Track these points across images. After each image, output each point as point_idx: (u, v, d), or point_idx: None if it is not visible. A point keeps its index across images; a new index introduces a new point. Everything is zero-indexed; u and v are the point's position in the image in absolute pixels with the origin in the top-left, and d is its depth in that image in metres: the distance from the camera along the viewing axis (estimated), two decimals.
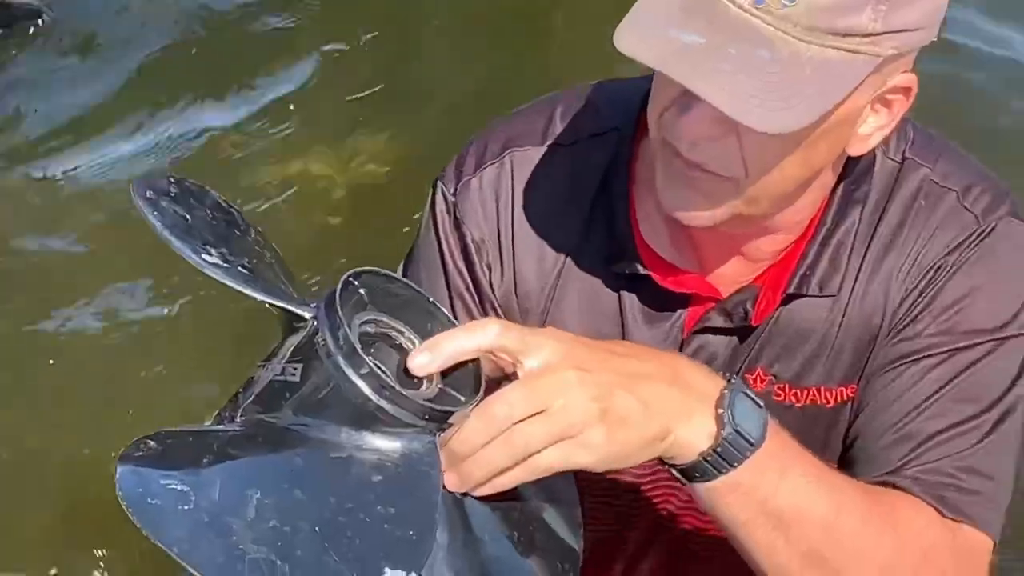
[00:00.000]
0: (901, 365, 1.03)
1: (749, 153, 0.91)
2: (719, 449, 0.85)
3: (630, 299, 1.08)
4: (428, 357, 0.80)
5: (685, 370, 0.87)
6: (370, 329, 0.82)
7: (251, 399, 0.83)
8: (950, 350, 1.02)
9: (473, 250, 1.10)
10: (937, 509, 0.98)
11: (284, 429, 0.80)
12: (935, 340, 1.02)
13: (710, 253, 1.06)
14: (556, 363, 0.81)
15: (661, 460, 0.87)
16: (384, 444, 0.79)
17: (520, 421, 0.79)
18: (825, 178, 1.02)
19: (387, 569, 0.74)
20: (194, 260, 0.85)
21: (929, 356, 1.02)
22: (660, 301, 1.07)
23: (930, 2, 0.90)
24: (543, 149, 1.09)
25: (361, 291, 0.82)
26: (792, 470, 0.90)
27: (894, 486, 0.99)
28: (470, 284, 1.12)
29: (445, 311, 0.85)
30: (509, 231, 1.09)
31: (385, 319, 0.83)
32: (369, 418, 0.78)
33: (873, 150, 1.02)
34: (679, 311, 1.07)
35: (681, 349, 1.07)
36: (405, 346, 0.83)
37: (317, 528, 0.75)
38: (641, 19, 0.87)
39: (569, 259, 1.08)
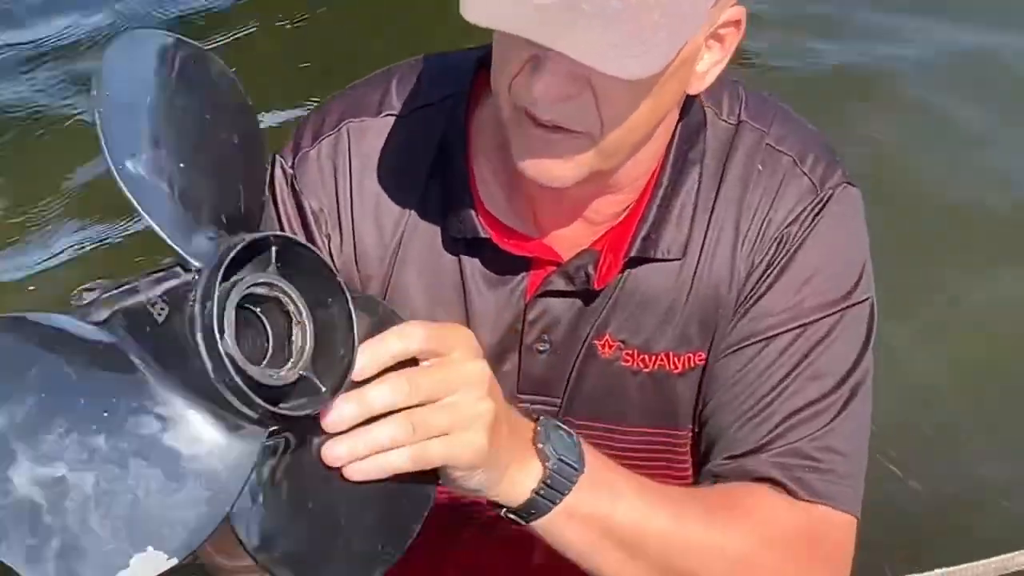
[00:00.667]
0: (753, 344, 1.04)
1: (605, 105, 0.90)
2: (548, 481, 0.87)
3: (471, 264, 1.05)
4: (365, 361, 0.77)
5: (505, 414, 0.85)
6: (263, 291, 0.76)
7: (122, 309, 0.76)
8: (800, 326, 1.03)
9: (312, 220, 1.07)
10: (794, 492, 1.00)
11: (130, 366, 0.74)
12: (785, 317, 1.03)
13: (549, 217, 1.04)
14: (469, 357, 0.81)
15: (495, 505, 0.88)
16: (207, 432, 0.74)
17: (418, 406, 0.78)
18: (668, 123, 1.02)
19: (150, 548, 0.70)
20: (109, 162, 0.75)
21: (780, 335, 1.03)
22: (501, 265, 1.05)
23: None
24: (379, 120, 1.07)
25: (273, 250, 0.76)
26: (623, 488, 0.92)
27: (752, 470, 1.01)
28: None
29: (349, 291, 0.78)
30: (348, 200, 1.06)
31: (282, 284, 0.77)
32: (209, 394, 0.73)
33: (704, 110, 1.04)
34: (521, 274, 1.06)
35: (525, 313, 1.06)
36: (293, 315, 0.77)
37: (98, 488, 0.70)
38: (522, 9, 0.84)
39: (409, 226, 1.06)
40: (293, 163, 1.08)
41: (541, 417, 0.89)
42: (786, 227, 1.04)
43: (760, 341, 1.04)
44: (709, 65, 0.97)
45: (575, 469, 0.88)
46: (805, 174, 1.05)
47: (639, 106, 0.92)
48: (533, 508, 0.88)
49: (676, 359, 1.08)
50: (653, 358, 1.08)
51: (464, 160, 1.05)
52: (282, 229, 1.05)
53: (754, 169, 1.05)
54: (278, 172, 1.08)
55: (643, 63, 0.85)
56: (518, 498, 0.87)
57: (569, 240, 1.05)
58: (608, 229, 1.05)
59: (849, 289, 1.04)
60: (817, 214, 1.04)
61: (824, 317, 1.03)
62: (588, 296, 1.05)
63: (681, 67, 0.93)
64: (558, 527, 0.89)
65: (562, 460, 0.88)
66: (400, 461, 0.79)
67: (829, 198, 1.04)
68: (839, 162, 1.08)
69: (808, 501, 1.00)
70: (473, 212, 1.03)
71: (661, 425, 1.11)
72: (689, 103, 1.03)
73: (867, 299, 1.06)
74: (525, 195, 1.03)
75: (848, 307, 1.04)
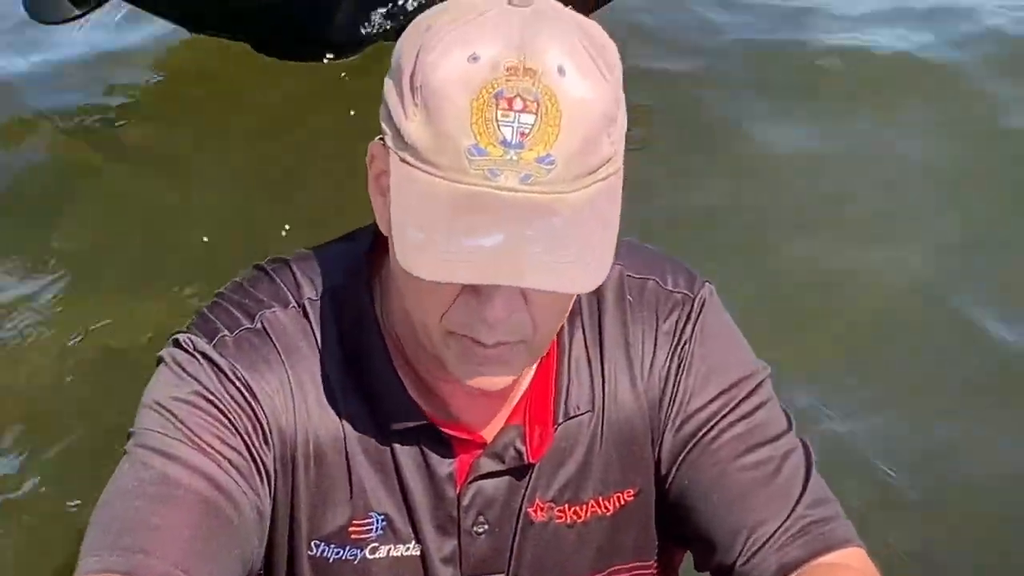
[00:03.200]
0: (704, 443, 1.11)
1: (538, 313, 0.97)
2: None
3: (404, 452, 1.08)
4: None
5: None
6: None
7: None
8: (731, 410, 1.11)
9: (265, 399, 1.07)
10: (848, 541, 1.10)
11: None
12: (714, 411, 1.11)
13: (466, 401, 1.08)
14: None
15: None
16: None
17: None
18: None
19: None
20: None
21: (720, 427, 1.11)
22: (429, 452, 1.08)
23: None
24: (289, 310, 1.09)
25: None
26: None
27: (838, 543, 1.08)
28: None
29: None
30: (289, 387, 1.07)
31: None
32: None
33: None
34: (449, 460, 1.08)
35: (459, 500, 1.09)
36: None
37: None
38: (424, 239, 0.90)
39: (348, 418, 1.08)
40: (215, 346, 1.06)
41: None
42: (675, 346, 1.12)
43: (709, 440, 1.10)
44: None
45: None
46: (672, 291, 1.14)
47: (564, 303, 1.01)
48: None
49: (605, 502, 1.14)
50: (584, 508, 1.13)
51: (383, 360, 1.07)
52: (231, 415, 1.03)
53: (625, 303, 1.12)
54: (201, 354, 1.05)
55: (595, 270, 0.93)
56: None
57: (485, 418, 1.09)
58: (520, 399, 1.10)
59: (751, 362, 1.16)
60: (697, 318, 1.13)
61: (749, 396, 1.12)
62: (520, 471, 1.09)
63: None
64: None
65: None
66: None
67: (702, 300, 1.14)
68: (688, 268, 1.18)
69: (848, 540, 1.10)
70: (405, 398, 1.07)
71: (612, 564, 1.16)
72: None
73: (766, 369, 1.16)
74: (441, 388, 1.08)
75: (758, 375, 1.14)
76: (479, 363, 0.99)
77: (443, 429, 1.07)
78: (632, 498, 1.14)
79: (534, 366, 1.08)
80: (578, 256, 0.91)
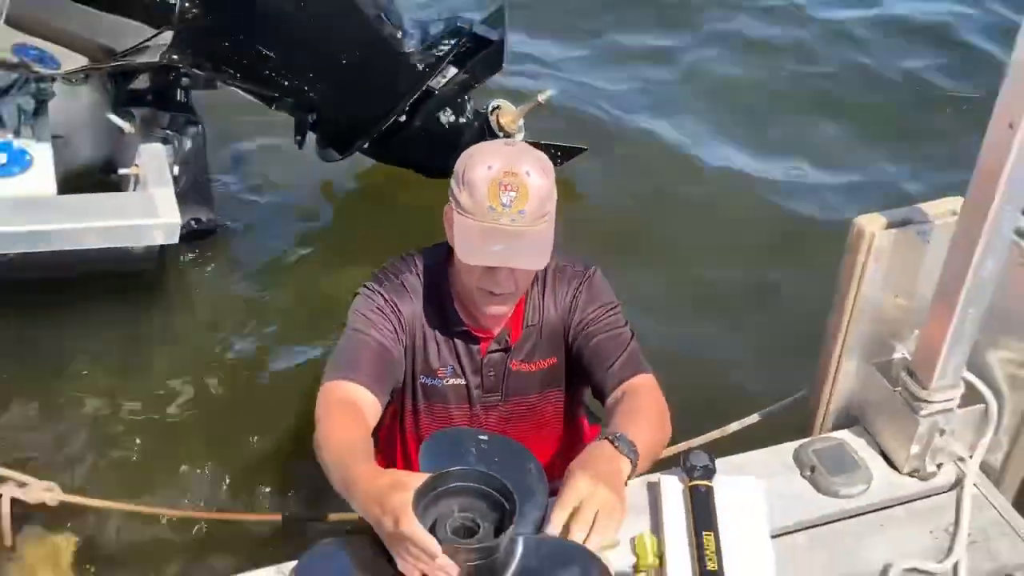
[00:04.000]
0: (591, 339, 2.09)
1: (519, 279, 2.00)
2: (633, 463, 1.83)
3: (457, 342, 2.13)
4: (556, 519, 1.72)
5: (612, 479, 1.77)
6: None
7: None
8: (603, 322, 2.10)
9: (399, 314, 2.09)
10: (643, 371, 2.04)
11: None
12: (597, 322, 2.10)
13: (488, 321, 2.09)
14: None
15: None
16: None
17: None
18: None
19: None
20: None
21: (599, 330, 2.09)
22: (469, 342, 2.13)
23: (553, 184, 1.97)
24: (412, 275, 2.11)
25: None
26: (636, 437, 1.84)
27: (625, 377, 2.03)
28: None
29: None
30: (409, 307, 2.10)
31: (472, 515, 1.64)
32: None
33: None
34: (476, 346, 2.13)
35: (482, 363, 2.14)
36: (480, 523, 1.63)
37: None
38: (469, 245, 1.91)
39: (432, 323, 2.11)
40: (383, 287, 2.09)
41: (612, 439, 1.83)
42: (576, 292, 2.13)
43: (593, 335, 2.09)
44: None
45: (634, 449, 1.82)
46: (576, 270, 2.15)
47: (530, 276, 2.04)
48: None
49: (543, 362, 2.17)
50: (534, 364, 2.17)
51: (450, 297, 2.09)
52: (388, 315, 2.08)
53: (555, 276, 2.13)
54: (374, 293, 2.09)
55: (543, 260, 1.94)
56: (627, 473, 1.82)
57: (493, 327, 2.11)
58: (508, 319, 2.11)
59: (612, 301, 2.14)
60: (585, 280, 2.14)
61: (610, 315, 2.11)
62: (507, 348, 2.14)
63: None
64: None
65: (631, 452, 1.82)
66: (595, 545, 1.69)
67: (590, 274, 2.15)
68: (587, 261, 2.18)
69: (645, 372, 2.05)
70: (459, 319, 2.10)
71: (548, 391, 2.22)
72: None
73: (617, 302, 2.15)
74: (473, 313, 2.08)
75: (614, 306, 2.13)
76: (491, 303, 2.01)
77: (474, 332, 2.11)
78: (555, 361, 2.17)
79: (515, 305, 2.08)
80: (536, 254, 1.92)
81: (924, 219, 1.95)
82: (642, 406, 1.96)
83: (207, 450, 2.99)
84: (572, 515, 1.68)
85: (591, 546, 1.66)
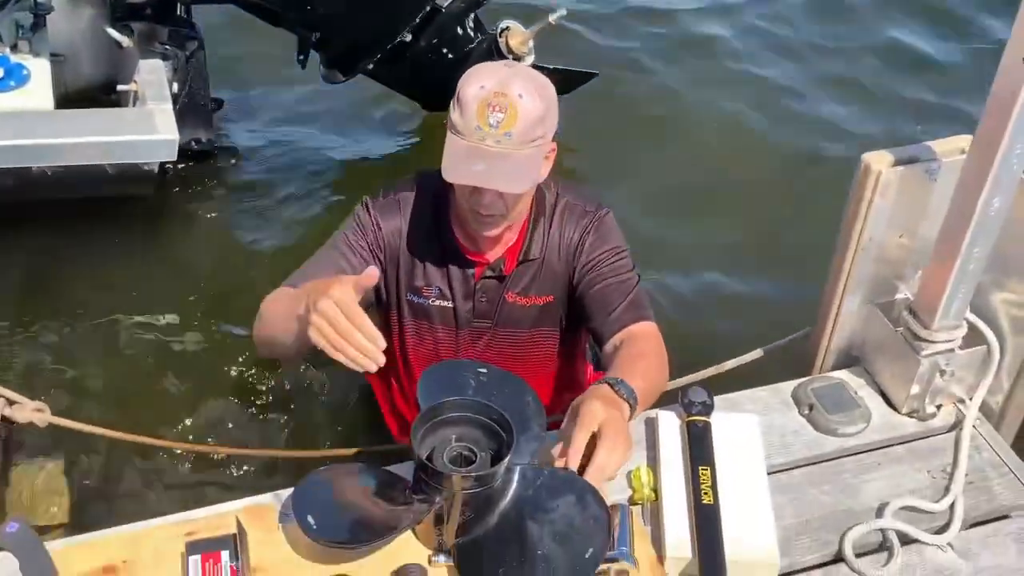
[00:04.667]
0: (595, 283, 2.05)
1: (508, 201, 1.94)
2: (633, 405, 1.76)
3: (451, 265, 2.10)
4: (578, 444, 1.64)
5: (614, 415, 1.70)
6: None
7: None
8: (609, 266, 2.06)
9: (381, 234, 2.10)
10: (645, 319, 2.00)
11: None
12: (603, 265, 2.06)
13: (482, 243, 2.06)
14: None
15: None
16: None
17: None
18: (531, 195, 2.06)
19: None
20: None
21: (604, 274, 2.05)
22: (464, 266, 2.10)
23: (555, 117, 1.93)
24: (411, 193, 2.10)
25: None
26: (634, 383, 1.78)
27: (627, 323, 1.98)
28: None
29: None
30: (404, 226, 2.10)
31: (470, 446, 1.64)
32: None
33: (544, 190, 2.09)
34: (471, 269, 2.10)
35: (475, 287, 2.11)
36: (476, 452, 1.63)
37: None
38: (452, 162, 1.86)
39: (428, 243, 2.09)
40: (373, 203, 2.10)
41: (613, 383, 1.76)
42: (584, 232, 2.08)
43: (597, 280, 2.05)
44: (546, 171, 2.00)
45: (634, 395, 1.76)
46: (586, 210, 2.10)
47: (522, 196, 1.97)
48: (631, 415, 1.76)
49: (538, 299, 2.13)
50: (529, 299, 2.13)
51: (448, 218, 2.07)
52: (368, 232, 2.09)
53: (564, 213, 2.10)
54: (364, 209, 2.10)
55: (524, 184, 1.91)
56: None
57: (491, 252, 2.09)
58: (507, 247, 2.09)
59: (621, 246, 2.08)
60: (594, 222, 2.09)
61: (618, 259, 2.07)
62: (501, 277, 2.10)
63: (537, 176, 1.96)
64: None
65: (630, 396, 1.75)
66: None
67: (600, 216, 2.10)
68: (598, 200, 2.13)
69: (648, 319, 2.00)
70: (455, 240, 2.07)
71: (540, 328, 2.18)
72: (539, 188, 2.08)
73: (626, 247, 2.10)
74: (470, 234, 2.05)
75: (622, 251, 2.08)
76: (482, 222, 1.97)
77: (469, 255, 2.07)
78: (552, 300, 2.13)
79: (516, 233, 2.06)
80: (518, 177, 1.88)
81: (932, 157, 1.92)
82: (643, 351, 1.93)
83: (204, 380, 2.99)
84: (593, 439, 1.64)
85: (613, 466, 1.62)
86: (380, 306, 2.17)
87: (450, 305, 2.13)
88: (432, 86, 3.84)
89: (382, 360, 1.57)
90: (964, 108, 4.24)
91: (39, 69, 3.21)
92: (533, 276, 2.11)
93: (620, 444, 1.63)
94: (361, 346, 1.56)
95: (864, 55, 4.77)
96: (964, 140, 1.91)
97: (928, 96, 4.51)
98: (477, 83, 1.87)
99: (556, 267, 2.11)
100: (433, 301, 2.13)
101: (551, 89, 1.93)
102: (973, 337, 1.98)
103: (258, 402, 2.90)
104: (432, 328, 2.16)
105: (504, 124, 1.85)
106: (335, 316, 1.57)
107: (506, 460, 1.57)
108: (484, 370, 1.85)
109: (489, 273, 2.10)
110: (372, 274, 1.63)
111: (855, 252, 2.00)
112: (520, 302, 2.14)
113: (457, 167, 1.86)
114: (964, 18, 5.06)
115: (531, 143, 1.88)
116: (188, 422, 2.81)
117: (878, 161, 1.90)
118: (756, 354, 2.28)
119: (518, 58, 3.70)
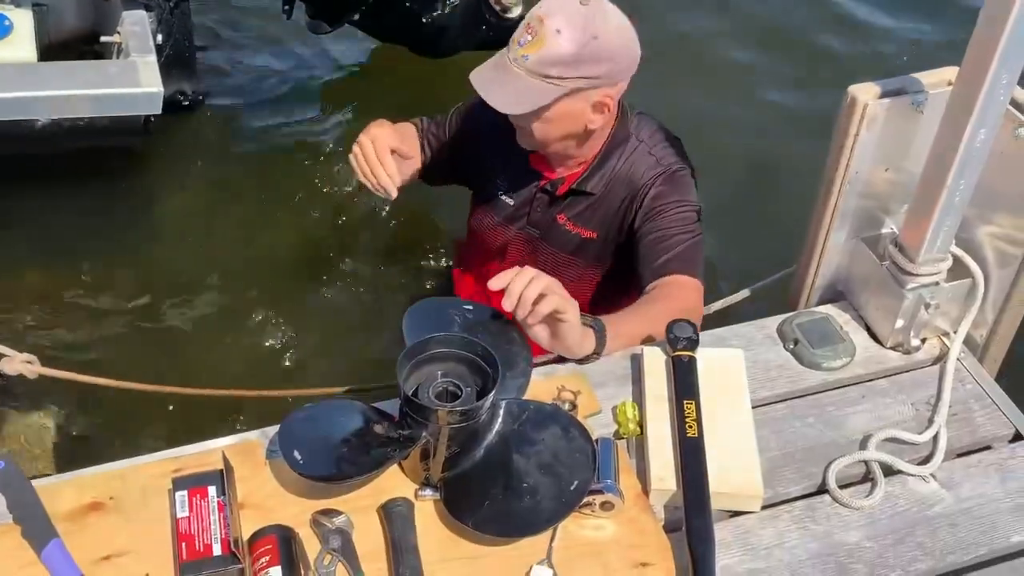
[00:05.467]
0: (652, 232, 2.10)
1: (537, 132, 2.09)
2: (598, 337, 1.87)
3: (521, 170, 2.27)
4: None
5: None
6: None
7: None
8: (668, 218, 2.11)
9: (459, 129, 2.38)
10: (689, 273, 2.06)
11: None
12: (662, 217, 2.11)
13: (550, 159, 2.22)
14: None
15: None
16: None
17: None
18: (591, 140, 2.15)
19: None
20: None
21: (661, 225, 2.11)
22: (529, 173, 2.27)
23: (597, 69, 1.98)
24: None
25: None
26: (617, 323, 1.91)
27: (671, 270, 2.06)
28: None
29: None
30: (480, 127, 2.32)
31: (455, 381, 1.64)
32: None
33: (628, 133, 2.19)
34: (536, 180, 2.27)
35: (534, 195, 2.27)
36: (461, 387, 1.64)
37: None
38: (482, 64, 2.03)
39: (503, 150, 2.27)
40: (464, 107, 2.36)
41: (589, 318, 1.86)
42: (654, 180, 2.14)
43: (653, 219, 2.12)
44: (601, 121, 2.09)
45: (603, 329, 1.87)
46: (660, 161, 2.16)
47: (542, 129, 2.08)
48: (594, 355, 1.88)
49: (584, 231, 2.24)
50: (578, 228, 2.25)
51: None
52: (449, 127, 2.37)
53: (637, 159, 2.17)
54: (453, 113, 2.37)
55: (519, 107, 2.02)
56: (589, 349, 1.86)
57: (558, 170, 2.24)
58: (571, 171, 2.22)
59: (690, 197, 2.16)
60: (665, 175, 2.15)
61: (680, 207, 2.13)
62: (555, 197, 2.25)
63: (565, 118, 2.06)
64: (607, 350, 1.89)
65: (599, 329, 1.86)
66: (547, 308, 1.73)
67: (671, 171, 2.16)
68: (679, 156, 2.19)
69: (693, 275, 2.06)
70: (526, 155, 2.25)
71: (576, 258, 2.29)
72: (620, 129, 2.18)
73: (696, 205, 2.17)
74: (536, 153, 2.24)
75: (688, 203, 2.14)
76: (518, 134, 2.14)
77: (534, 165, 2.24)
78: (595, 236, 2.24)
79: (584, 162, 2.18)
80: (514, 98, 1.98)
81: (919, 88, 1.91)
82: (661, 296, 2.01)
83: (191, 328, 3.00)
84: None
85: (522, 288, 1.70)
86: (471, 185, 2.44)
87: (511, 203, 2.30)
88: (419, 37, 3.82)
89: (394, 193, 2.11)
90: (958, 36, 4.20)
91: (21, 20, 3.19)
92: (586, 207, 2.22)
93: (541, 279, 1.71)
94: (380, 178, 2.09)
95: None
96: (951, 72, 1.90)
97: (921, 25, 4.47)
98: (540, 4, 1.96)
99: (613, 207, 2.18)
100: (500, 195, 2.31)
101: (606, 42, 1.96)
102: (958, 270, 1.98)
103: (247, 345, 2.91)
104: (493, 218, 2.35)
105: (527, 47, 1.94)
106: (368, 150, 2.09)
107: (491, 395, 1.57)
108: (469, 307, 1.86)
109: (548, 188, 2.24)
110: (404, 152, 2.15)
111: (841, 186, 2.00)
112: (568, 227, 2.25)
113: (479, 68, 2.02)
114: None
115: (545, 78, 1.95)
116: (181, 364, 2.82)
117: (864, 93, 1.89)
118: (743, 293, 2.29)
119: (506, 10, 3.68)
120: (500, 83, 1.96)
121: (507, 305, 1.72)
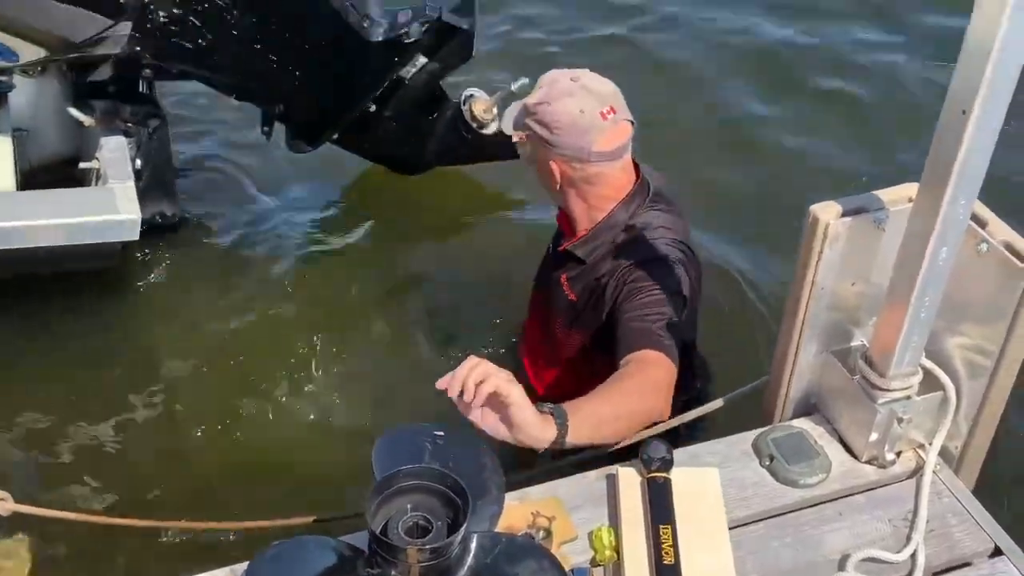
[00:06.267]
0: (627, 301, 2.21)
1: (526, 162, 2.46)
2: (560, 426, 1.84)
3: (558, 232, 2.56)
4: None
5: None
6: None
7: None
8: (647, 294, 2.21)
9: None
10: (658, 348, 2.09)
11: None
12: (638, 291, 2.21)
13: (565, 221, 2.49)
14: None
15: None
16: None
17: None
18: (567, 200, 2.42)
19: None
20: None
21: (638, 296, 2.21)
22: (558, 234, 2.55)
23: (545, 131, 2.33)
24: None
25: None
26: (582, 408, 1.89)
27: (636, 348, 2.09)
28: None
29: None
30: None
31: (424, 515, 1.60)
32: None
33: (629, 212, 2.37)
34: (560, 241, 2.50)
35: (551, 257, 2.57)
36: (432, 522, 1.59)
37: None
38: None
39: None
40: None
41: (548, 406, 1.85)
42: (634, 266, 2.27)
43: (635, 299, 2.20)
44: (557, 184, 2.39)
45: (563, 413, 1.84)
46: (649, 247, 2.30)
47: (530, 164, 2.44)
48: (559, 440, 1.83)
49: (571, 293, 2.41)
50: (568, 289, 2.42)
51: None
52: None
53: (626, 249, 2.32)
54: None
55: (506, 126, 2.47)
56: (551, 434, 1.83)
57: (567, 234, 2.46)
58: (574, 237, 2.41)
59: (666, 285, 2.24)
60: (645, 260, 2.28)
61: (656, 294, 2.21)
62: (558, 255, 2.48)
63: (541, 166, 2.40)
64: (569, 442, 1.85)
65: (558, 413, 1.84)
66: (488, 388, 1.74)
67: (658, 258, 2.28)
68: (674, 247, 2.32)
69: (660, 350, 2.09)
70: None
71: (559, 319, 2.49)
72: (621, 211, 2.37)
73: (677, 290, 2.25)
74: None
75: (662, 293, 2.21)
76: None
77: (558, 222, 2.53)
78: (576, 301, 2.41)
79: (581, 227, 2.40)
80: (507, 120, 2.45)
81: (880, 206, 1.94)
82: (625, 374, 2.03)
83: (166, 459, 2.96)
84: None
85: (468, 373, 1.74)
86: None
87: (545, 258, 2.61)
88: (399, 155, 3.87)
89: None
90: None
91: (1, 147, 3.22)
92: (579, 272, 2.40)
93: (485, 365, 1.74)
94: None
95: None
96: (911, 188, 1.93)
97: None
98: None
99: (593, 277, 2.35)
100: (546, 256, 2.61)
101: (555, 113, 2.30)
102: (929, 383, 1.99)
103: (222, 477, 2.88)
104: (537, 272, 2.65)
105: (536, 86, 2.38)
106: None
107: (462, 530, 1.56)
108: (440, 433, 1.85)
109: (556, 245, 2.51)
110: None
111: (808, 300, 2.01)
112: (563, 287, 2.44)
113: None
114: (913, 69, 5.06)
115: (519, 113, 2.38)
116: (151, 498, 2.78)
117: (825, 212, 1.92)
118: (717, 403, 2.28)
119: (482, 125, 3.74)
120: (513, 107, 2.42)
121: (451, 392, 1.75)
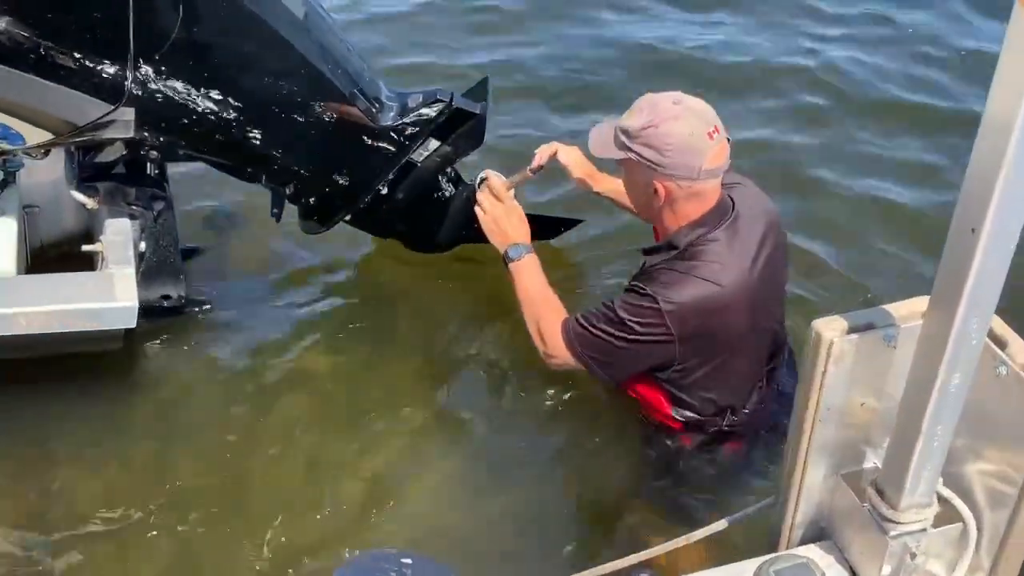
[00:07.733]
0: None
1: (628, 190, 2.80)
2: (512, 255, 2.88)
3: None
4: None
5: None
6: None
7: None
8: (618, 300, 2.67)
9: None
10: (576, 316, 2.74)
11: None
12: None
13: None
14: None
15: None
16: None
17: None
18: (662, 215, 2.64)
19: None
20: None
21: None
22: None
23: (652, 152, 2.52)
24: None
25: None
26: (529, 272, 2.87)
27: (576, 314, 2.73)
28: None
29: None
30: None
31: None
32: None
33: (683, 240, 2.60)
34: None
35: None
36: None
37: None
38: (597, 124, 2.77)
39: None
40: None
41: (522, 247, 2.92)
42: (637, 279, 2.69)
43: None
44: (661, 200, 2.58)
45: (513, 258, 2.88)
46: (667, 268, 2.61)
47: (624, 183, 2.77)
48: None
49: None
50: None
51: None
52: None
53: (661, 262, 2.63)
54: None
55: (595, 148, 2.72)
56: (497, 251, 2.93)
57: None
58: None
59: (624, 314, 2.63)
60: (645, 278, 2.67)
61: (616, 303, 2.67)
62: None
63: (637, 187, 2.68)
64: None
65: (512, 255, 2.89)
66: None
67: (653, 278, 2.64)
68: (656, 294, 2.57)
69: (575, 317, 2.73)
70: None
71: None
72: (679, 236, 2.61)
73: (619, 318, 2.63)
74: None
75: (616, 315, 2.63)
76: None
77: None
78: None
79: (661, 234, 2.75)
80: (596, 144, 2.70)
81: (889, 322, 1.81)
82: (555, 306, 2.81)
83: (170, 554, 2.86)
84: None
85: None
86: None
87: None
88: (411, 234, 3.79)
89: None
90: None
91: (4, 231, 3.17)
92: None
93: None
94: None
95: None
96: (922, 303, 1.79)
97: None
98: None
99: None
100: None
101: (662, 135, 2.48)
102: (947, 512, 1.83)
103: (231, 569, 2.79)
104: None
105: (625, 115, 2.58)
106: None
107: None
108: (408, 560, 1.72)
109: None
110: None
111: (814, 419, 1.87)
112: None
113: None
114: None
115: (616, 137, 2.57)
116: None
117: (829, 328, 1.78)
118: (721, 524, 2.14)
119: None
120: (599, 131, 2.63)
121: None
